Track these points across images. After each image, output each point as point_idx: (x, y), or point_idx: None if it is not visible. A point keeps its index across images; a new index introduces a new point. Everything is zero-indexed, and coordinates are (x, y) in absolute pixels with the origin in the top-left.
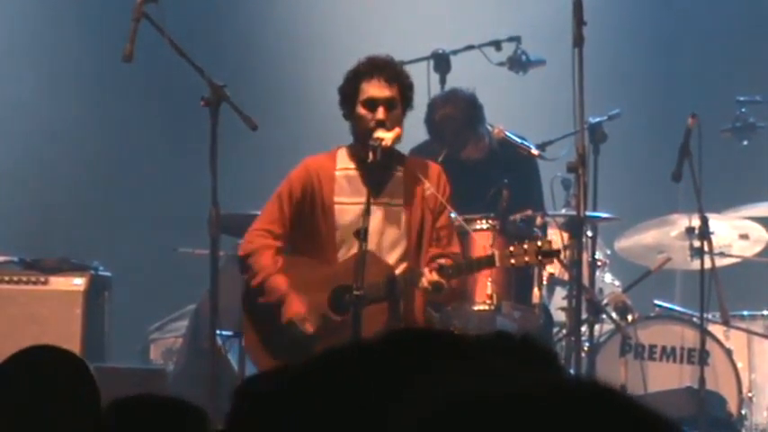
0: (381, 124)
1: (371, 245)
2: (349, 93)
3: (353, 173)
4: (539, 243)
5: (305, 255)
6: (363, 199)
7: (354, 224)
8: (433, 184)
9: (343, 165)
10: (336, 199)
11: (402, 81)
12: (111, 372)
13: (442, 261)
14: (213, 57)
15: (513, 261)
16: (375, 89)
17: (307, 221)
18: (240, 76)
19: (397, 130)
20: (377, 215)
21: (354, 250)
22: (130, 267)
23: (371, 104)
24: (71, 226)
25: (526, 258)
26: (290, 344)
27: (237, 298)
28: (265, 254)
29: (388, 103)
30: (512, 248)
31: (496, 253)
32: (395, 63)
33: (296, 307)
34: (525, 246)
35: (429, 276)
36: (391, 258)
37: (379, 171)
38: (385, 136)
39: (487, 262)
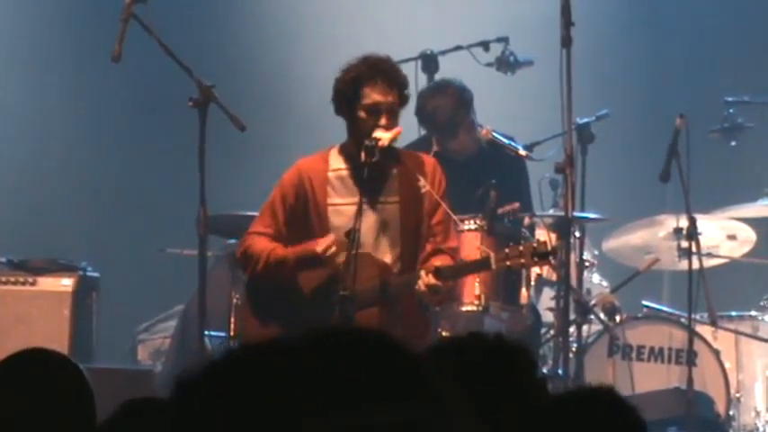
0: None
1: (367, 245)
2: (349, 95)
3: (346, 173)
4: (534, 245)
5: None
6: (357, 199)
7: (349, 225)
8: (428, 180)
9: (336, 165)
10: (330, 201)
11: (400, 82)
12: (99, 372)
13: (438, 262)
14: (200, 57)
15: (508, 263)
16: (379, 95)
17: (301, 224)
18: (228, 76)
19: (396, 129)
20: (372, 215)
21: (352, 251)
22: (118, 268)
23: (375, 110)
24: (59, 226)
25: (522, 260)
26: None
27: (226, 299)
28: (260, 240)
29: (390, 108)
30: (507, 250)
31: (492, 255)
32: (393, 64)
33: (309, 247)
34: (521, 247)
35: (426, 279)
36: (388, 258)
37: (374, 170)
38: (383, 136)
39: (483, 264)
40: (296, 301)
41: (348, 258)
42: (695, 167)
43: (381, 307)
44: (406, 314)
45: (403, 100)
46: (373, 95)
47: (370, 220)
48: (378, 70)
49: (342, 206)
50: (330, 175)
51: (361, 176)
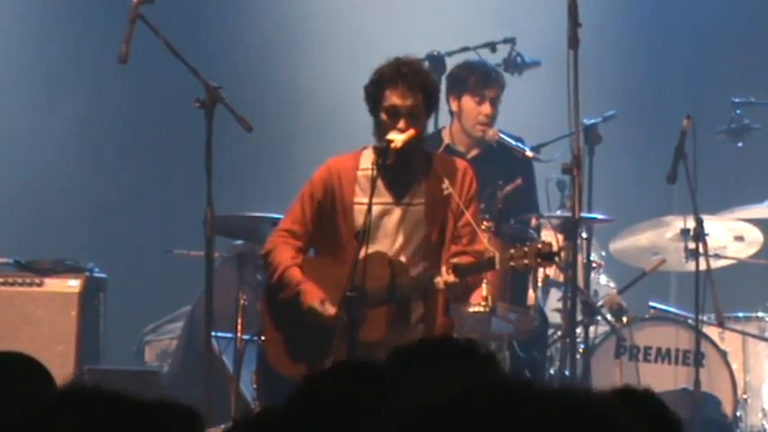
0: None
1: (389, 245)
2: (373, 96)
3: (372, 173)
4: (538, 246)
5: (327, 255)
6: (383, 199)
7: (375, 224)
8: (455, 183)
9: (365, 165)
10: (356, 199)
11: (426, 87)
12: (105, 373)
13: (456, 260)
14: (207, 57)
15: (512, 264)
16: (398, 98)
17: (327, 222)
18: (235, 77)
19: (410, 131)
20: (395, 216)
21: (377, 248)
22: (125, 269)
23: (394, 113)
24: (66, 227)
25: (525, 261)
26: (309, 342)
27: (232, 300)
28: (283, 249)
29: (410, 112)
30: (512, 251)
31: (497, 256)
32: (418, 68)
33: (313, 293)
34: (525, 248)
35: (445, 276)
36: (411, 259)
37: (400, 171)
38: (396, 138)
39: (488, 264)
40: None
41: (356, 259)
42: (702, 168)
43: (391, 306)
44: (432, 315)
45: (429, 103)
46: (392, 98)
47: (393, 222)
48: (399, 73)
49: (367, 205)
50: (359, 174)
51: (381, 177)
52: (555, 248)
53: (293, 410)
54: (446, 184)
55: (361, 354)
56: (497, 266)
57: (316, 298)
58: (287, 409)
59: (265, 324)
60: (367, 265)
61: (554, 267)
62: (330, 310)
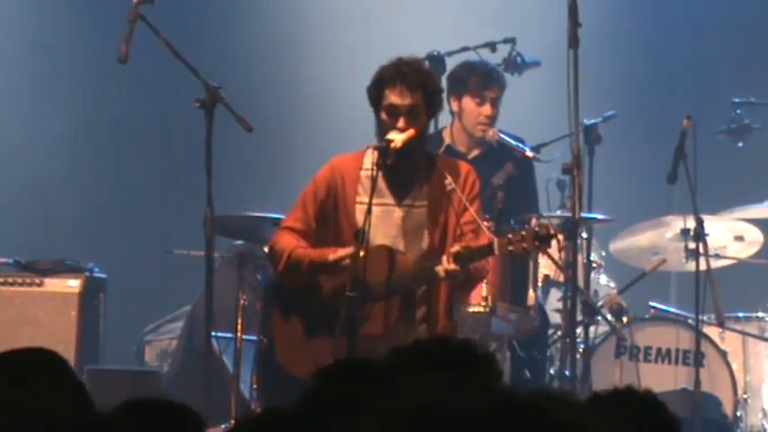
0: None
1: (389, 244)
2: (374, 96)
3: (373, 173)
4: (536, 229)
5: None
6: (385, 200)
7: (376, 224)
8: (459, 184)
9: (368, 165)
10: (359, 199)
11: (426, 87)
12: (105, 373)
13: (457, 247)
14: (207, 57)
15: (511, 248)
16: (396, 98)
17: (330, 221)
18: (236, 77)
19: (410, 131)
20: (397, 217)
21: (359, 251)
22: (125, 269)
23: (393, 112)
24: (66, 227)
25: (524, 245)
26: (315, 340)
27: (232, 300)
28: (287, 238)
29: (410, 111)
30: (510, 235)
31: (495, 241)
32: (418, 67)
33: (325, 252)
34: (523, 233)
35: (445, 264)
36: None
37: (401, 171)
38: (396, 137)
39: (487, 250)
40: (321, 301)
41: (357, 259)
42: (702, 168)
43: (394, 301)
44: (434, 316)
45: (430, 103)
46: (391, 97)
47: (396, 222)
48: (398, 73)
49: (367, 205)
50: (362, 174)
51: (382, 177)
52: (552, 231)
53: (293, 410)
54: (448, 180)
55: (362, 347)
56: (496, 252)
57: (330, 253)
58: (288, 409)
59: (273, 323)
60: (368, 259)
61: (554, 267)
62: (346, 249)
